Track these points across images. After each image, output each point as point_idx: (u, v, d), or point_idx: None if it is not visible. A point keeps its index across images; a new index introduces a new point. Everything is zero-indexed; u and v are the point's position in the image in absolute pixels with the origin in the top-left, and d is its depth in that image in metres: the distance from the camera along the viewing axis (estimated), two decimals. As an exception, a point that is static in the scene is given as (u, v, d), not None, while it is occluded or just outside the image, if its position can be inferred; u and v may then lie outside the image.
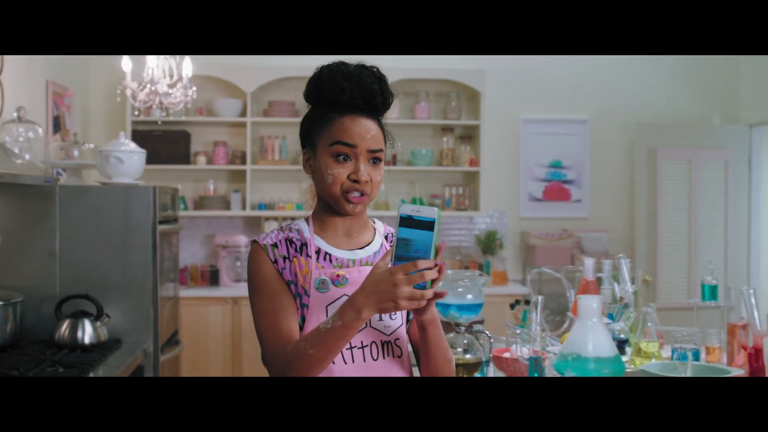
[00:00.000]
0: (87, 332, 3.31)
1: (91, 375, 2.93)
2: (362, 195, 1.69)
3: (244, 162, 5.83)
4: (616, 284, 2.92)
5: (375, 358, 1.70)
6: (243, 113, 5.85)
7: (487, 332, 2.59)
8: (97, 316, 3.37)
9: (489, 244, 6.00)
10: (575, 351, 2.26)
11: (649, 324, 2.73)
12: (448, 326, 2.61)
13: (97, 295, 3.43)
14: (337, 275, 1.70)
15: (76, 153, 4.02)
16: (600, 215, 6.26)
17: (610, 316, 2.84)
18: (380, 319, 1.72)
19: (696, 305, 2.92)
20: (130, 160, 3.79)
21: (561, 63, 6.16)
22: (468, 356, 2.50)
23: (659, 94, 6.28)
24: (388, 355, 1.72)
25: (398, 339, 1.75)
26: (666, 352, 2.82)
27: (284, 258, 1.70)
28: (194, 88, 4.69)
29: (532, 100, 6.20)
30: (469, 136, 6.07)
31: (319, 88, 1.72)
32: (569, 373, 2.27)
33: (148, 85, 4.49)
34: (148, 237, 3.60)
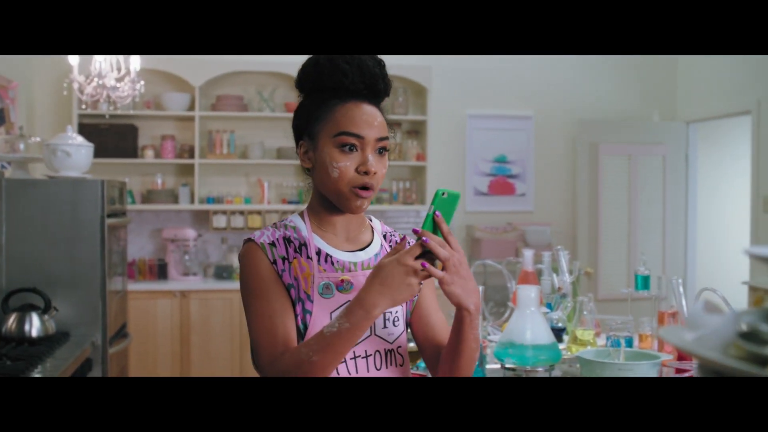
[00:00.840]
0: (34, 325, 3.32)
1: (39, 368, 2.94)
2: (368, 190, 1.55)
3: (192, 156, 5.84)
4: (555, 275, 3.03)
5: (378, 367, 1.60)
6: (191, 107, 5.85)
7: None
8: (44, 310, 3.38)
9: (436, 237, 6.09)
10: (514, 339, 2.36)
11: (586, 313, 2.85)
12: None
13: (44, 289, 3.43)
14: (342, 280, 1.58)
15: (21, 146, 4.01)
16: (543, 209, 6.41)
17: (549, 306, 2.95)
18: (384, 326, 1.61)
19: (630, 295, 3.04)
20: (77, 154, 3.79)
21: (506, 60, 6.28)
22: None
23: (601, 91, 6.45)
24: (391, 365, 1.62)
25: (400, 347, 1.65)
26: (602, 340, 2.95)
27: (283, 259, 1.57)
28: (142, 82, 4.69)
29: (478, 96, 6.32)
30: (416, 131, 6.17)
31: (317, 73, 1.60)
32: (509, 360, 2.37)
33: (96, 79, 4.49)
34: (96, 231, 3.61)
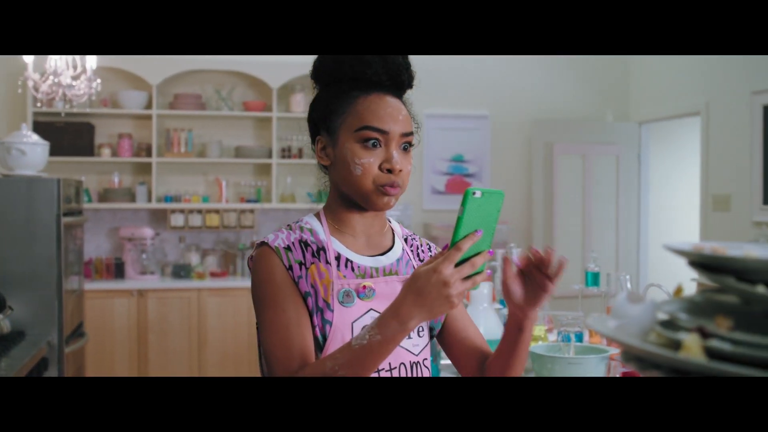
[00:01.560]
0: (-11, 325, 3.30)
1: (-5, 367, 2.93)
2: (396, 186, 1.45)
3: (149, 154, 5.82)
4: (508, 272, 3.09)
5: None
6: (148, 105, 5.83)
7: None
8: (-1, 309, 3.36)
9: (393, 235, 6.15)
10: (467, 334, 2.42)
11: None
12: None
13: (-1, 288, 3.41)
14: (363, 287, 1.46)
15: (-25, 145, 3.97)
16: (500, 207, 6.49)
17: (501, 302, 3.02)
18: (409, 337, 1.48)
19: (581, 292, 3.12)
20: (32, 152, 3.77)
21: (463, 60, 6.35)
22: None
23: (555, 91, 6.55)
24: None
25: (425, 359, 1.53)
26: (554, 336, 3.02)
27: (300, 264, 1.44)
28: (98, 81, 4.67)
29: (435, 96, 6.38)
30: (375, 130, 6.20)
31: (337, 63, 1.51)
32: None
33: (51, 77, 4.46)
34: (51, 229, 3.60)
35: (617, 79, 6.67)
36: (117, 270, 5.72)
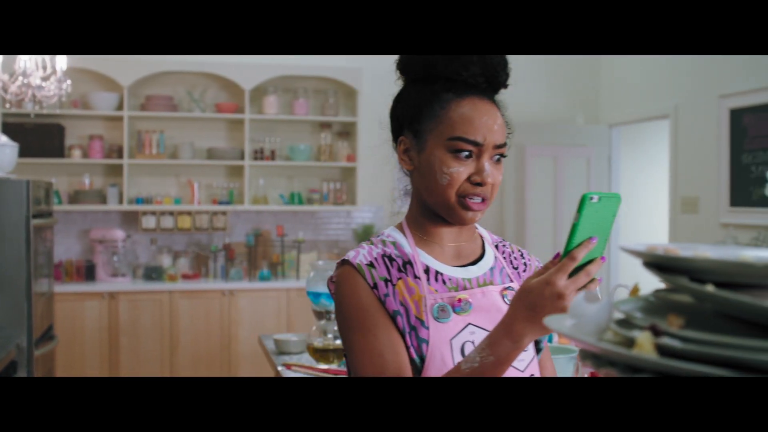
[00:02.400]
0: (-43, 328, 3.27)
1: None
2: (483, 200, 1.35)
3: (120, 156, 5.78)
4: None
5: None
6: (119, 107, 5.79)
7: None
8: (-33, 312, 3.33)
9: (366, 237, 6.17)
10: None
11: (507, 310, 2.95)
12: (320, 314, 2.75)
13: (-33, 291, 3.38)
14: (459, 300, 1.35)
15: (-57, 146, 3.93)
16: (472, 209, 6.53)
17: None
18: None
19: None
20: (1, 154, 3.75)
21: (435, 63, 6.38)
22: (338, 342, 2.66)
23: (527, 95, 6.60)
24: None
25: (533, 374, 1.42)
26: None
27: (386, 281, 1.34)
28: (69, 82, 4.63)
29: (408, 98, 6.39)
30: (347, 132, 6.22)
31: (431, 58, 1.41)
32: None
33: (21, 78, 4.42)
34: (21, 231, 3.57)
35: (588, 83, 6.74)
36: (87, 272, 5.68)
